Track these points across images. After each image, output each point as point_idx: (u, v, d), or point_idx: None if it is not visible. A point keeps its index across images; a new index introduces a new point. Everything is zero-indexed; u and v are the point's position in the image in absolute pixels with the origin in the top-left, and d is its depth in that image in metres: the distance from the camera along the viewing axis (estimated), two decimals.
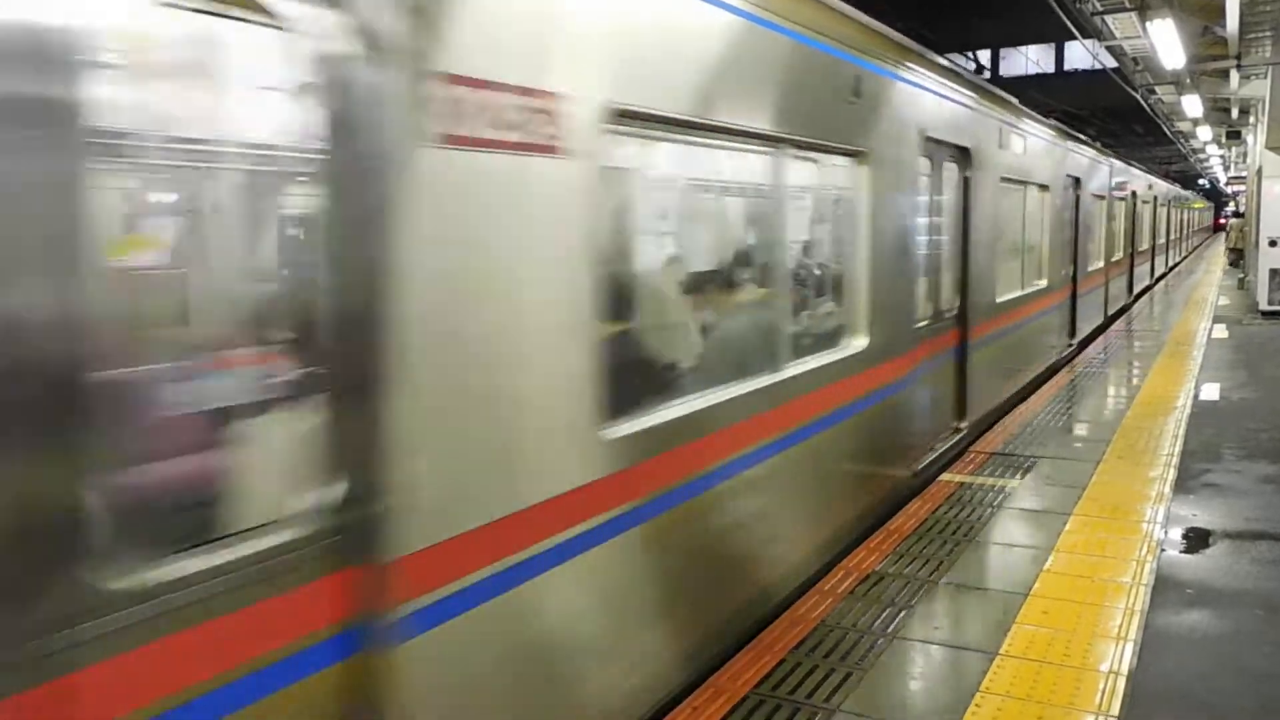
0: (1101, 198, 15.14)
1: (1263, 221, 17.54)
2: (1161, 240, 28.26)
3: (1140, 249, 21.67)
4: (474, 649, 2.74)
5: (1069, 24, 12.77)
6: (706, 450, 3.89)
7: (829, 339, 5.52)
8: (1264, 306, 17.05)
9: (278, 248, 3.49)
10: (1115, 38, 13.01)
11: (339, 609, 2.30)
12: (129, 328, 2.54)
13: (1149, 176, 24.40)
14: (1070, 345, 12.59)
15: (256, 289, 3.35)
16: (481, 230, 2.75)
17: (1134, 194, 19.74)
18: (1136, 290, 20.91)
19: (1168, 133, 29.54)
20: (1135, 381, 10.78)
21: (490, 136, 2.72)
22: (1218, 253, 39.90)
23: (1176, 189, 36.65)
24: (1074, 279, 12.72)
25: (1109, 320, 16.39)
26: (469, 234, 2.71)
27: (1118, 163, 17.70)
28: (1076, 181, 12.58)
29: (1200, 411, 8.98)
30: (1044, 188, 10.59)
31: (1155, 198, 24.96)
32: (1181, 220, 38.15)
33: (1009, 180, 9.02)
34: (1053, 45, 39.59)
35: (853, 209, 5.66)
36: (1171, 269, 31.54)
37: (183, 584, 1.99)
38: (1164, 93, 18.89)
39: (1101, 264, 15.47)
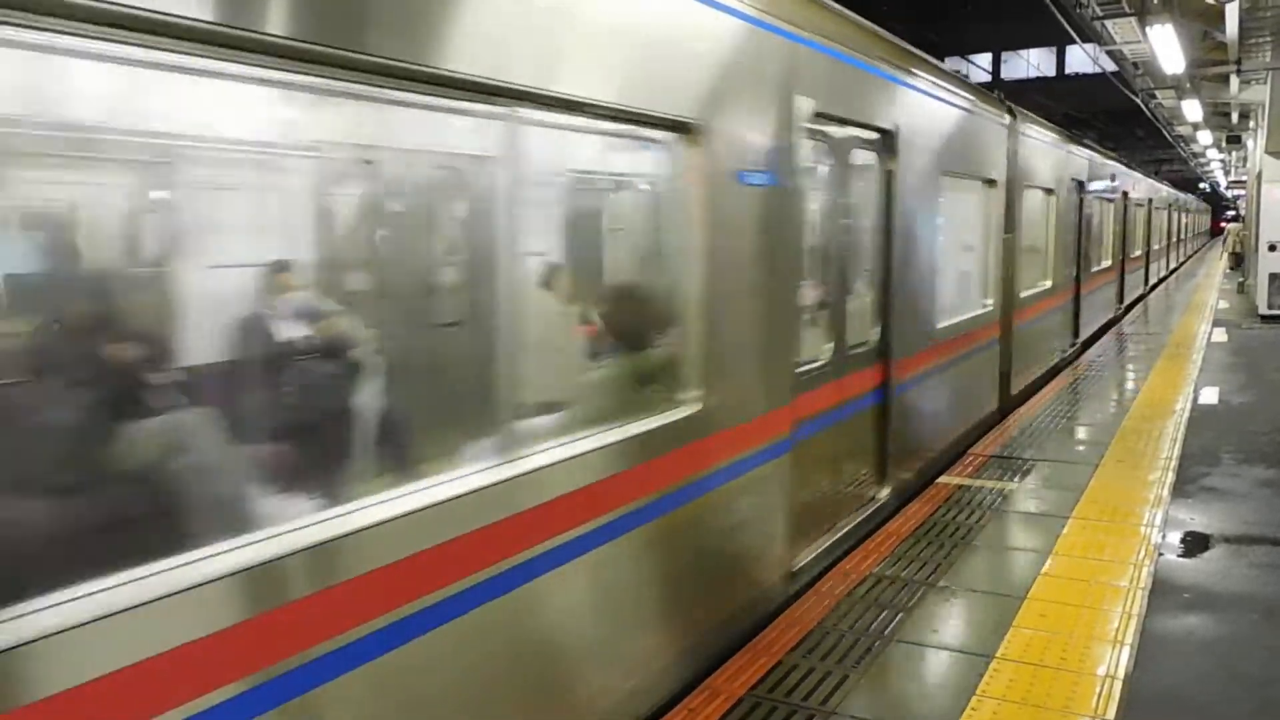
0: (989, 183, 8.45)
1: (1262, 226, 17.56)
2: (1138, 252, 21.19)
3: (1096, 268, 14.90)
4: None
5: (1069, 28, 12.79)
6: None
7: None
8: (1263, 311, 17.06)
9: None
10: (1115, 42, 13.01)
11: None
12: None
13: (1111, 163, 16.80)
14: (908, 479, 6.48)
15: None
16: None
17: (1080, 185, 12.74)
18: (1089, 332, 14.31)
19: (1168, 137, 29.58)
20: (1134, 385, 10.77)
21: None
22: (1215, 256, 39.62)
23: (1164, 187, 29.77)
24: (906, 350, 6.27)
25: (1014, 400, 9.50)
26: None
27: (1041, 130, 10.56)
28: (884, 139, 5.91)
29: (1199, 415, 8.98)
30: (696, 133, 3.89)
31: (1124, 194, 17.95)
32: (1169, 226, 30.54)
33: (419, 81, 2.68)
34: (1053, 49, 39.69)
35: None
36: (1152, 289, 24.21)
37: None
38: (1164, 97, 18.91)
39: (990, 308, 8.60)
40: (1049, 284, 11.03)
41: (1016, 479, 6.93)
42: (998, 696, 3.83)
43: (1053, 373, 11.39)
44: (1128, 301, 19.23)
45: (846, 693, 3.89)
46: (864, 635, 4.40)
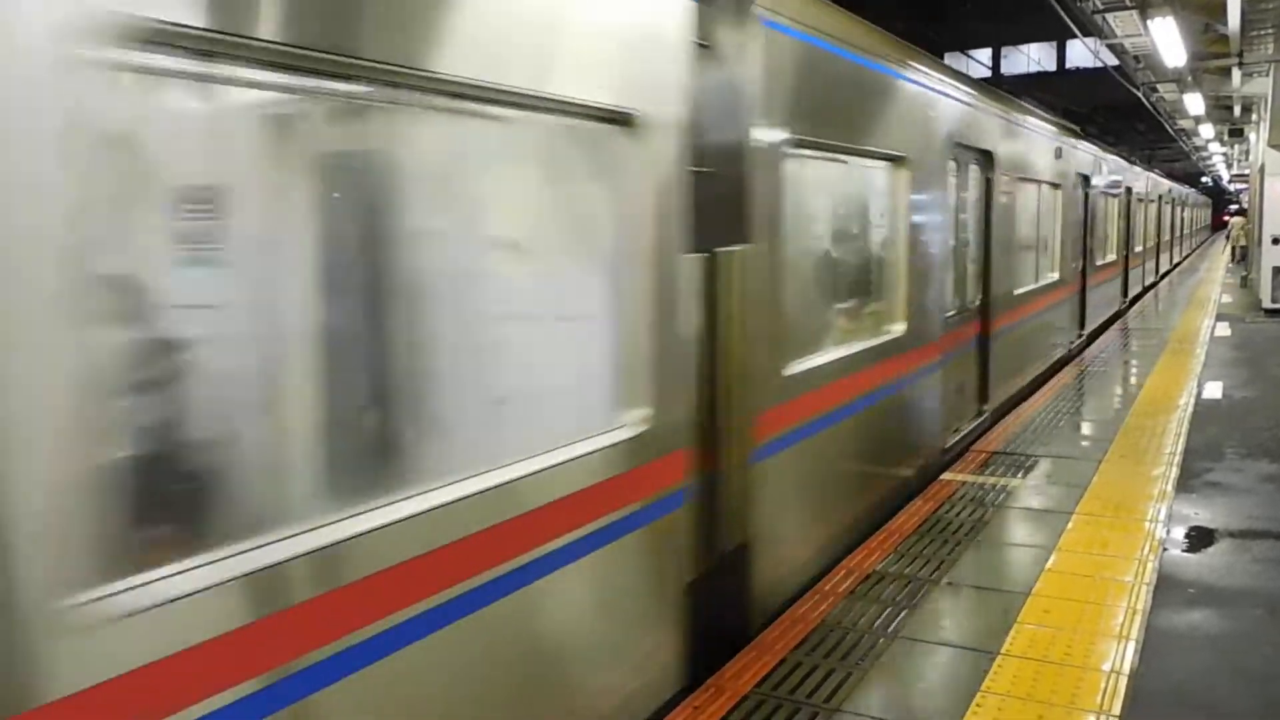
0: (619, 124, 3.37)
1: (1265, 219, 17.52)
2: (1110, 258, 16.27)
3: (1030, 286, 10.09)
4: None
5: (1070, 23, 12.77)
6: None
7: None
8: (1267, 304, 17.03)
9: None
10: (1116, 36, 12.99)
11: None
12: None
13: (1059, 133, 11.51)
14: None
15: None
16: None
17: (988, 159, 8.17)
18: (1007, 393, 9.19)
19: (1170, 131, 29.51)
20: (1138, 380, 10.76)
21: None
22: (1217, 251, 39.41)
23: (1154, 175, 25.19)
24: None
25: (779, 602, 4.70)
26: None
27: (850, 29, 5.50)
28: None
29: (1203, 410, 8.97)
30: None
31: (1086, 178, 13.02)
32: (1160, 223, 25.60)
33: None
34: (1054, 44, 39.65)
35: None
36: (1134, 302, 19.59)
37: None
38: (1166, 91, 18.85)
39: (639, 432, 3.45)
40: (898, 330, 6.21)
41: (1020, 475, 6.92)
42: (1002, 693, 3.83)
43: (934, 471, 6.94)
44: (1094, 326, 14.10)
45: (850, 690, 3.88)
46: (867, 632, 4.39)
